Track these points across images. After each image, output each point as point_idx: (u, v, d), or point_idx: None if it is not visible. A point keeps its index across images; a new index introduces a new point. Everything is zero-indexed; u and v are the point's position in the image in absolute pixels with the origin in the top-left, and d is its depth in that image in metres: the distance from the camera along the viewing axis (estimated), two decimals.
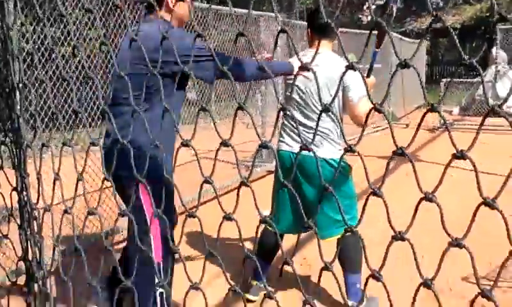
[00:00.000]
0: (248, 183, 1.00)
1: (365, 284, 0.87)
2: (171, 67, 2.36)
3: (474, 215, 0.72)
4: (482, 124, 0.70)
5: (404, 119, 12.64)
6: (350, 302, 3.24)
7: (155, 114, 2.38)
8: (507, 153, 8.01)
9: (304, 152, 3.72)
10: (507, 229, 0.71)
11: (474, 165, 0.70)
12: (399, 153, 0.73)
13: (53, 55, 4.24)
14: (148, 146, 1.33)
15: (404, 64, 0.70)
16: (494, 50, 12.70)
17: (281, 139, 3.37)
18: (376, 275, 0.83)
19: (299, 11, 14.13)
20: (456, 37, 0.76)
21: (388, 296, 0.90)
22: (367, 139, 10.31)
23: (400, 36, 13.74)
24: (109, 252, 1.31)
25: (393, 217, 0.88)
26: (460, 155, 0.69)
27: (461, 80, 12.86)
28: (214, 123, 1.12)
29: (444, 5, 23.62)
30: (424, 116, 0.75)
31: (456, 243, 0.74)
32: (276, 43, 1.06)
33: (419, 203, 0.76)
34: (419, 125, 0.77)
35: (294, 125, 3.22)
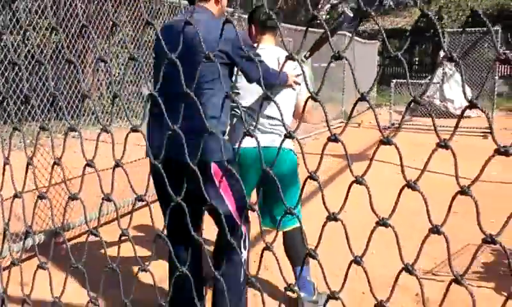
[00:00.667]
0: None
1: (303, 262, 0.93)
2: (234, 57, 2.52)
3: (399, 196, 0.80)
4: (403, 117, 0.78)
5: (356, 118, 12.93)
6: (302, 294, 3.32)
7: (214, 101, 2.52)
8: (460, 154, 8.37)
9: (268, 144, 3.69)
10: (427, 211, 0.79)
11: (399, 151, 0.78)
12: (333, 140, 0.80)
13: (1, 43, 4.14)
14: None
15: (337, 56, 0.77)
16: (442, 52, 13.16)
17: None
18: (312, 254, 0.90)
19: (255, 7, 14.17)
20: (385, 36, 0.83)
21: (324, 275, 0.97)
22: (319, 138, 10.52)
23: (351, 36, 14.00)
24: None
25: (333, 206, 0.95)
26: (386, 141, 0.76)
27: (410, 81, 13.24)
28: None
29: (394, 7, 24.26)
30: (354, 107, 0.83)
31: (383, 222, 0.81)
32: (221, 34, 1.10)
33: (351, 185, 0.83)
34: (350, 113, 0.84)
35: (259, 119, 3.21)
